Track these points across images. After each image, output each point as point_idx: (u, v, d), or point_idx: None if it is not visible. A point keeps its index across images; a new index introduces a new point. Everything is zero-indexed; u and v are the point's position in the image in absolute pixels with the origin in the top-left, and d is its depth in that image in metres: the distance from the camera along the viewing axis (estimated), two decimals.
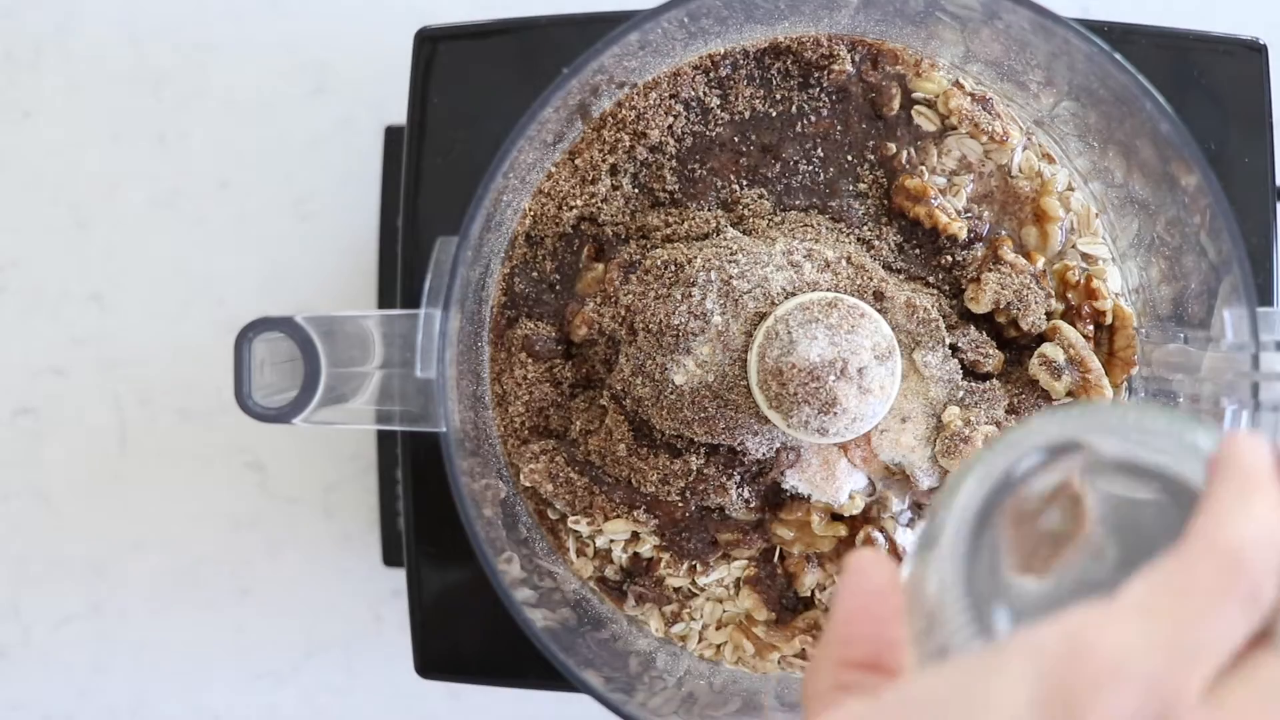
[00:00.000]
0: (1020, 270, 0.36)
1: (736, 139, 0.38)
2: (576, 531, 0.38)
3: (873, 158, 0.38)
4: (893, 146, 0.37)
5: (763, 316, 0.35)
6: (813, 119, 0.38)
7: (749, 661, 0.38)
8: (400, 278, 0.39)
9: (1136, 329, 0.37)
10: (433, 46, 0.39)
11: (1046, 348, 0.36)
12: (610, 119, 0.37)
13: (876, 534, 0.37)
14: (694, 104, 0.37)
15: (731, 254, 0.35)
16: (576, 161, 0.37)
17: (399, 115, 0.40)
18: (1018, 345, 0.38)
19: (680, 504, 0.37)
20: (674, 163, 0.37)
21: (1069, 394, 0.36)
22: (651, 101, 0.37)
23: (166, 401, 0.52)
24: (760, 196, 0.37)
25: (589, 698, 0.33)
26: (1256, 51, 0.39)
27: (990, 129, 0.37)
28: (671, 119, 0.37)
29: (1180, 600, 0.20)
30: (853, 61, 0.37)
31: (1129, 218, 0.37)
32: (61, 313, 0.53)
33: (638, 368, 0.36)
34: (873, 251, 0.37)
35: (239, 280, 0.52)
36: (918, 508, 0.37)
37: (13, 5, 0.53)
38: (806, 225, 0.37)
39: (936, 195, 0.37)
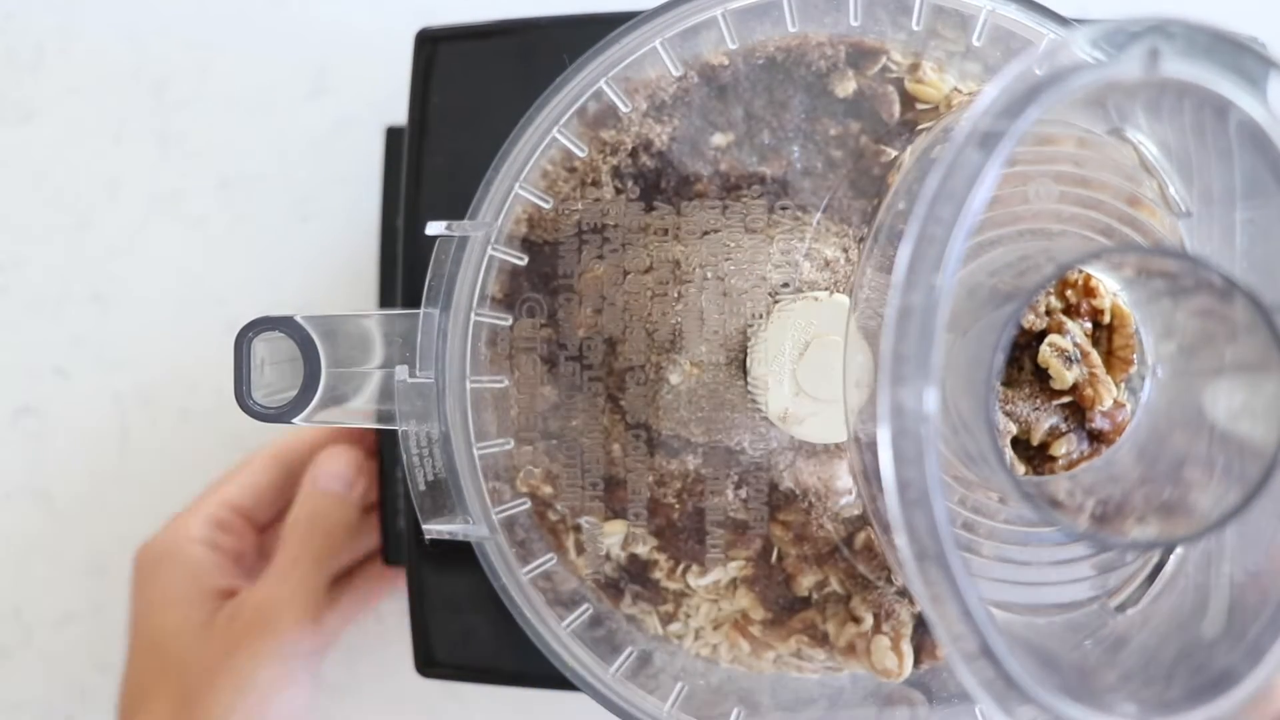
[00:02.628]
0: None
1: (737, 141, 0.38)
2: (577, 529, 0.38)
3: (873, 160, 0.38)
4: (892, 151, 0.37)
5: (757, 315, 0.35)
6: (812, 122, 0.38)
7: (745, 660, 0.38)
8: (401, 278, 0.39)
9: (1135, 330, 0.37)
10: (433, 47, 0.39)
11: (1055, 338, 0.36)
12: (611, 120, 0.37)
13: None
14: (695, 105, 0.37)
15: (728, 252, 0.35)
16: (575, 163, 0.37)
17: (400, 116, 0.40)
18: (1016, 344, 0.38)
19: (677, 505, 0.37)
20: (674, 163, 0.37)
21: (1074, 386, 0.36)
22: (654, 103, 0.37)
23: (167, 401, 0.52)
24: (759, 196, 0.38)
25: (589, 697, 0.33)
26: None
27: None
28: (674, 121, 0.37)
29: None
30: (851, 63, 0.38)
31: None
32: (62, 313, 0.53)
33: (634, 367, 0.36)
34: None
35: (239, 280, 0.52)
36: None
37: (14, 6, 0.53)
38: (805, 225, 0.37)
39: None
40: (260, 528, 0.47)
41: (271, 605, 0.42)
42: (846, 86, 0.37)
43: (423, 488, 0.33)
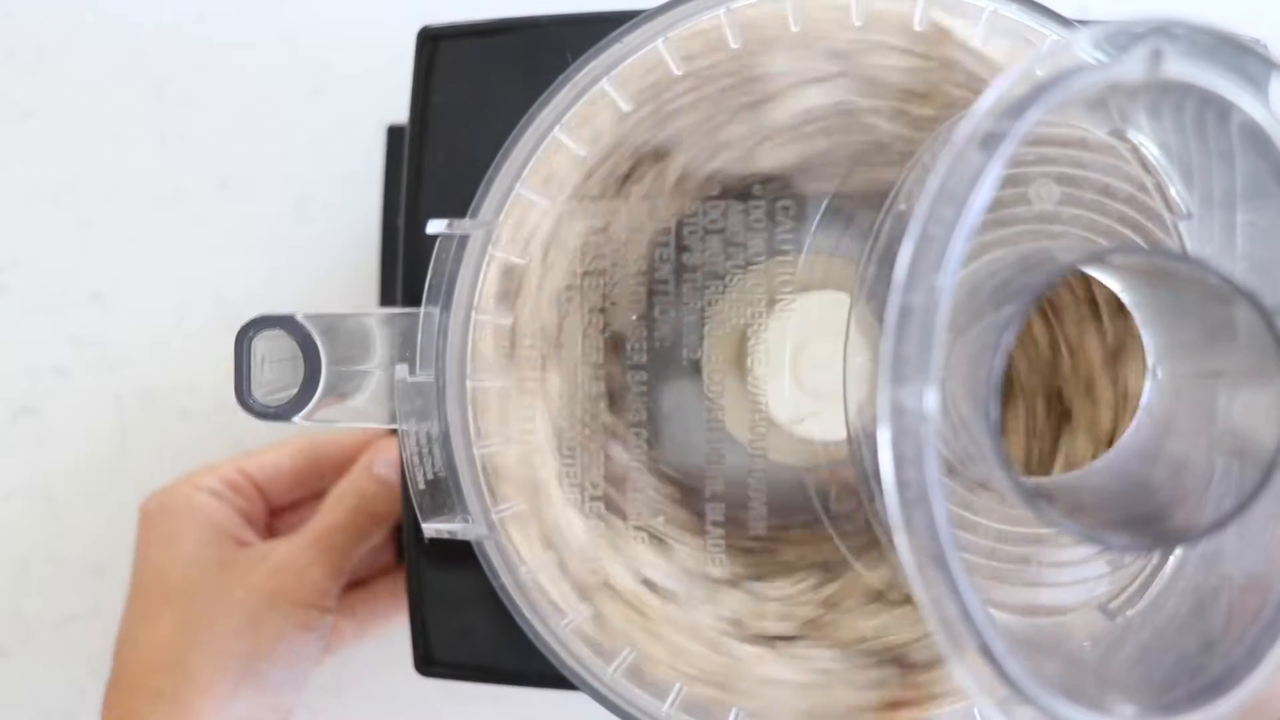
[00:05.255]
0: None
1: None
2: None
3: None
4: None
5: (758, 314, 0.35)
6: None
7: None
8: (401, 276, 0.39)
9: None
10: (434, 45, 0.39)
11: None
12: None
13: None
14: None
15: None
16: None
17: (400, 114, 0.40)
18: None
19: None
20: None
21: None
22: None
23: (167, 401, 0.52)
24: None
25: (589, 697, 0.33)
26: None
27: None
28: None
29: None
30: None
31: None
32: (62, 313, 0.53)
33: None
34: None
35: (240, 280, 0.52)
36: None
37: (14, 6, 0.53)
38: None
39: None
40: (271, 507, 0.46)
41: (301, 559, 0.42)
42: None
43: (422, 486, 0.33)
